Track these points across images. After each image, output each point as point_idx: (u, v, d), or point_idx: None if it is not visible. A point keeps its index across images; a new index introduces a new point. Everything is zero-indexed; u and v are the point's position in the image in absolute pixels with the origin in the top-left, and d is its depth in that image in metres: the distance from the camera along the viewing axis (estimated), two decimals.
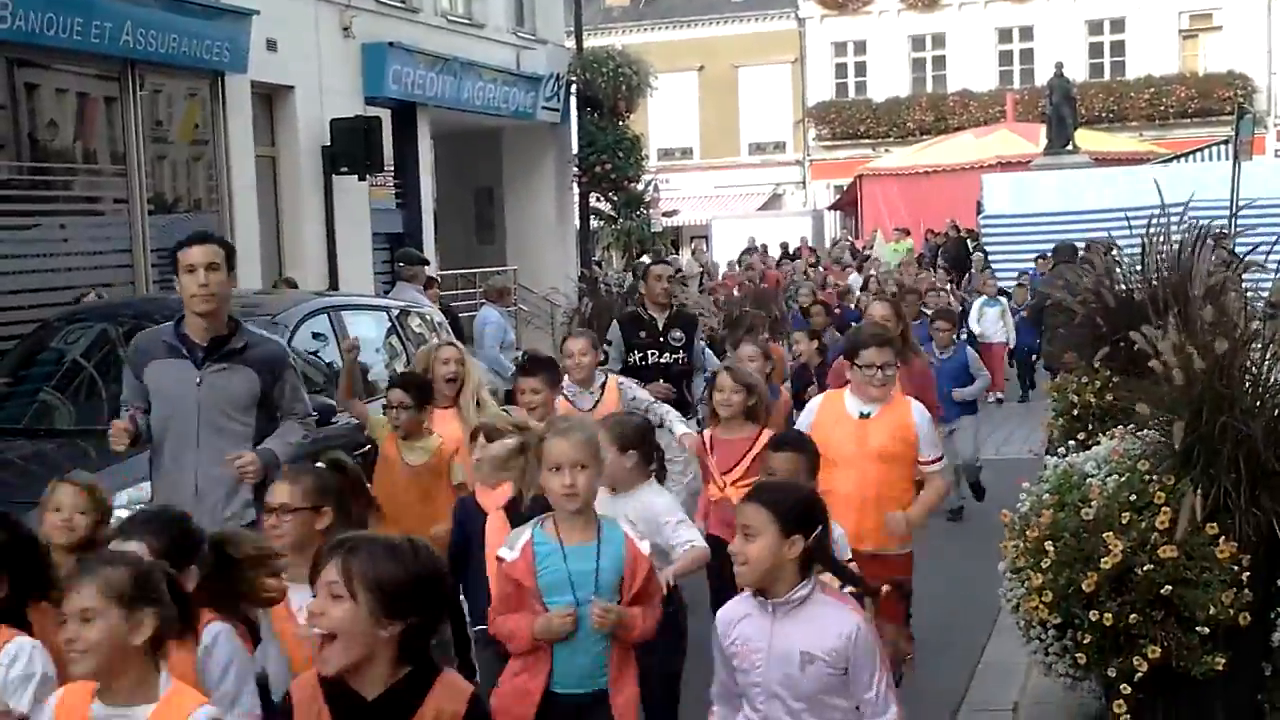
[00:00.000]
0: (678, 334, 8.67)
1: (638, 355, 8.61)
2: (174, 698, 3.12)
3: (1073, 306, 7.62)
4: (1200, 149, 27.77)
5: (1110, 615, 4.82)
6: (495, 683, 4.33)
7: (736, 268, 25.94)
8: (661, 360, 8.60)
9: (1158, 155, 29.97)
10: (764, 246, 30.43)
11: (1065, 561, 4.94)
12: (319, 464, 4.70)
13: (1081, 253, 13.91)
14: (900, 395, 6.01)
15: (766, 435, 6.15)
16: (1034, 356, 16.64)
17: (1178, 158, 27.64)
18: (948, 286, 20.67)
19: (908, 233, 29.38)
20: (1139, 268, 7.25)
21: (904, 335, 7.52)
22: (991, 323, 16.93)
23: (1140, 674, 4.81)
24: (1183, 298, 6.30)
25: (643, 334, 8.68)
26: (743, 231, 33.44)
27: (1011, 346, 17.38)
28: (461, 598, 5.39)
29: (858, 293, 19.04)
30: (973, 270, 21.32)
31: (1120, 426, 5.59)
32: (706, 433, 6.49)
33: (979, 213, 24.92)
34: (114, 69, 13.70)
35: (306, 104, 16.55)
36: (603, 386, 7.35)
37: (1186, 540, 4.76)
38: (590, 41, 25.53)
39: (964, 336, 16.68)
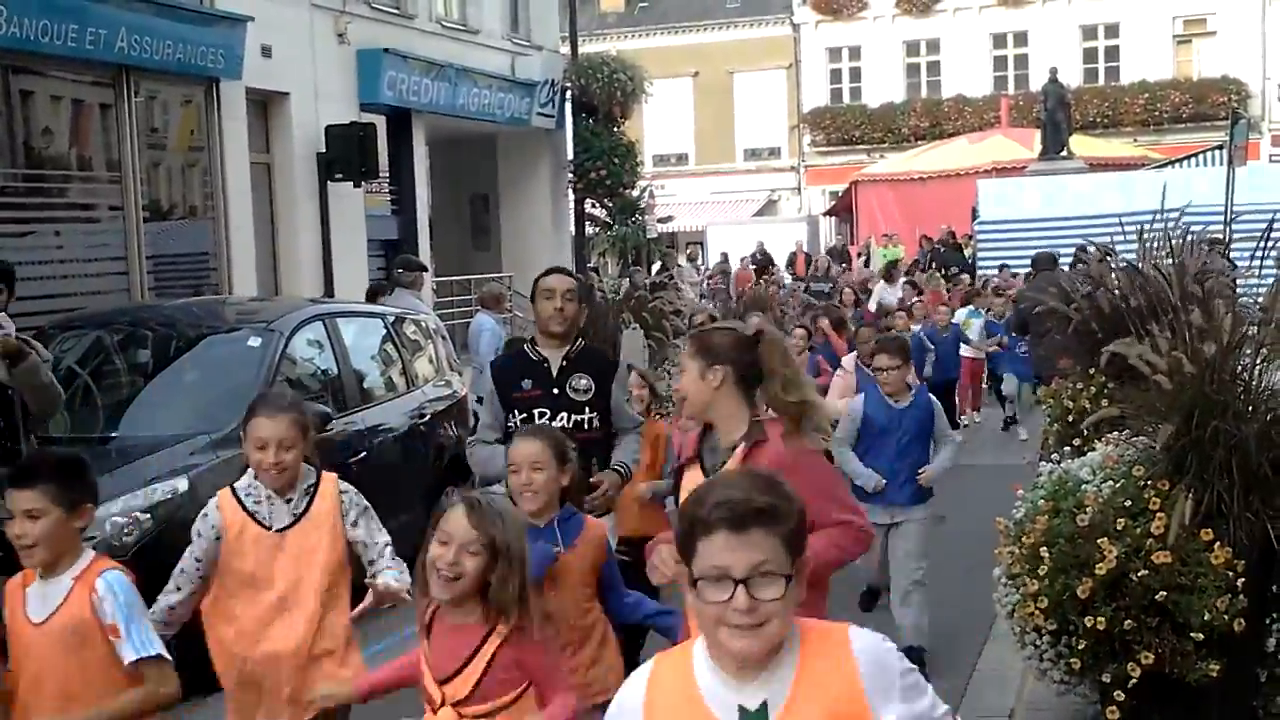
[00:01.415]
0: (583, 382, 5.63)
1: (519, 417, 5.55)
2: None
3: (1067, 313, 7.63)
4: (1195, 154, 27.86)
5: (1105, 621, 4.82)
6: None
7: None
8: (556, 424, 5.46)
9: (1152, 160, 30.04)
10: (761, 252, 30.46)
11: (1060, 567, 4.95)
12: None
13: (1071, 258, 13.93)
14: (814, 630, 2.44)
15: (496, 641, 3.54)
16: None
17: (1172, 163, 27.69)
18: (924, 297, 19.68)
19: (895, 239, 29.42)
20: (1134, 273, 7.27)
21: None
22: (975, 334, 15.61)
23: (1134, 680, 4.82)
24: (1175, 303, 6.31)
25: (527, 382, 5.63)
26: (738, 238, 33.49)
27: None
28: None
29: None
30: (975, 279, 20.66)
31: (1115, 432, 5.59)
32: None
33: (974, 218, 24.96)
34: (109, 75, 13.70)
35: (301, 110, 16.55)
36: (311, 492, 4.53)
37: (1181, 546, 4.76)
38: (585, 47, 25.56)
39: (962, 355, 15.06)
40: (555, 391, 5.61)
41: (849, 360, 9.97)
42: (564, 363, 5.66)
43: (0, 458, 6.27)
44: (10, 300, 6.60)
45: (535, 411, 5.54)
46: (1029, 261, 19.67)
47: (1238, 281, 7.56)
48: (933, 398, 7.45)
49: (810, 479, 3.66)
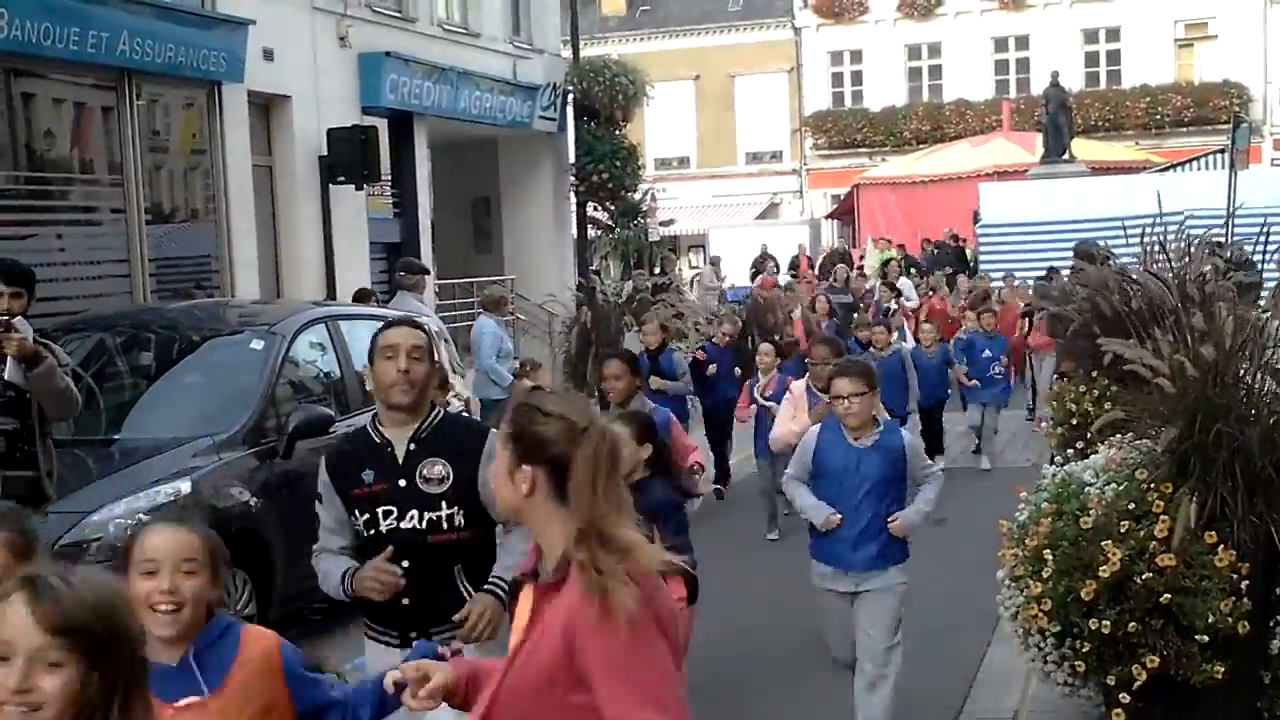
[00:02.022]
0: (437, 468, 4.27)
1: (362, 520, 4.32)
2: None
3: (1068, 316, 7.64)
4: (1196, 158, 27.84)
5: (1109, 624, 4.82)
6: None
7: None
8: (404, 526, 4.28)
9: (1154, 164, 30.03)
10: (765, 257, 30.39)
11: (1064, 570, 4.95)
12: None
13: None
14: None
15: None
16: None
17: (1174, 167, 27.69)
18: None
19: (890, 242, 29.43)
20: (1135, 276, 7.28)
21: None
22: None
23: (1139, 682, 4.82)
24: (1174, 306, 6.31)
25: (369, 474, 4.33)
26: (739, 241, 33.47)
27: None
28: None
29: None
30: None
31: (1118, 435, 5.60)
32: None
33: (976, 221, 24.96)
34: (111, 79, 13.70)
35: (303, 113, 16.55)
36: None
37: (1185, 549, 4.77)
38: (586, 51, 25.57)
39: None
40: (402, 483, 4.26)
41: (798, 385, 8.34)
42: (411, 445, 4.28)
43: (16, 461, 6.28)
44: (30, 304, 6.59)
45: (379, 511, 4.25)
46: (1031, 265, 19.77)
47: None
48: (906, 435, 6.07)
49: (605, 655, 2.47)
